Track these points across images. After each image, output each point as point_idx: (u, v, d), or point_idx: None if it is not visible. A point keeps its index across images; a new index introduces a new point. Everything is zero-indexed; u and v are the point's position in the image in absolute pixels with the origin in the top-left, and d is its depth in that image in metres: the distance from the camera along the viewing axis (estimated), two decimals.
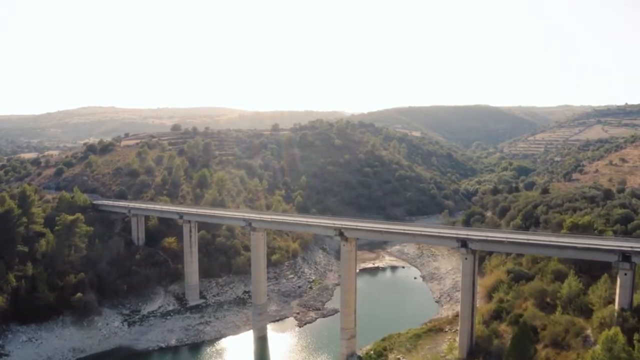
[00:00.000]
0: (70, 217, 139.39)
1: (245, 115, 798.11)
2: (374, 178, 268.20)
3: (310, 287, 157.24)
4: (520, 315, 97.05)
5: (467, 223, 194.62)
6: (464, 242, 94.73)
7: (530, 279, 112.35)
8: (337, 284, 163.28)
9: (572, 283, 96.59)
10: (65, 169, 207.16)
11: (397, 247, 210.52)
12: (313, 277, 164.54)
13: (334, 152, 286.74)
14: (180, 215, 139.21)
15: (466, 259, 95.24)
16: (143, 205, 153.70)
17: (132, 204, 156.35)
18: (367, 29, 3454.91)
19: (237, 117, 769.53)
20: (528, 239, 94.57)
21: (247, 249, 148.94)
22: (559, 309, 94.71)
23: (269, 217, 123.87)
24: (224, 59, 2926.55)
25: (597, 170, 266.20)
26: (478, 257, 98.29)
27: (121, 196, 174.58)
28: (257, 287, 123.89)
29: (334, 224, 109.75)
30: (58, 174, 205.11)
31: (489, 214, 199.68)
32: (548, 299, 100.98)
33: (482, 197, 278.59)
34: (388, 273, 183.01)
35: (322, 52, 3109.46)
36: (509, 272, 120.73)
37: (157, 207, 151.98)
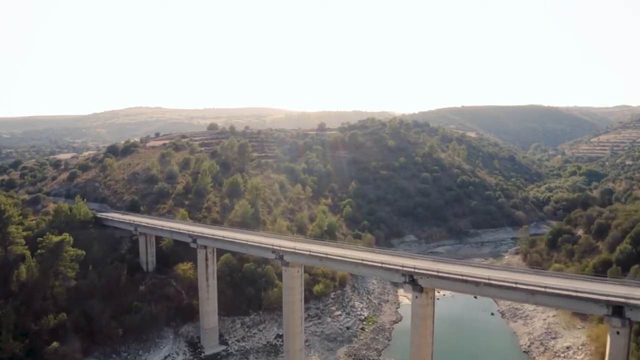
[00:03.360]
0: (56, 238, 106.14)
1: (291, 115, 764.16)
2: (434, 184, 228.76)
3: (362, 328, 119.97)
4: None
5: (553, 244, 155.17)
6: (616, 309, 56.95)
7: None
8: (395, 322, 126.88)
9: None
10: (79, 174, 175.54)
11: None
12: (365, 313, 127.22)
13: (387, 154, 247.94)
14: (194, 238, 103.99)
15: (618, 332, 57.56)
16: (151, 222, 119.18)
17: (139, 220, 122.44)
18: (417, 26, 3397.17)
19: (283, 117, 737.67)
20: None
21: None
22: None
23: (307, 247, 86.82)
24: (272, 59, 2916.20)
25: None
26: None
27: (132, 208, 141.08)
28: (290, 332, 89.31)
29: (403, 266, 72.74)
30: (71, 179, 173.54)
31: (579, 232, 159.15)
32: None
33: (557, 208, 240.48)
34: (455, 303, 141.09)
35: (370, 51, 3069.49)
36: None
37: (166, 225, 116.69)
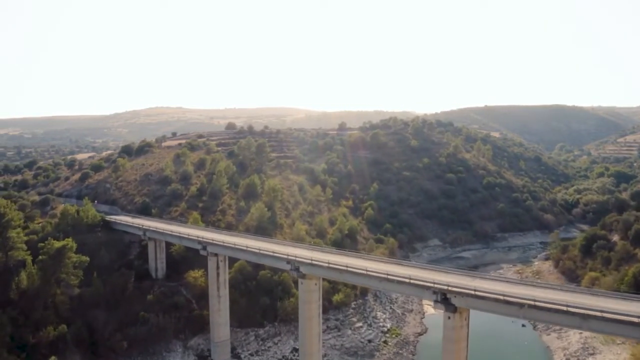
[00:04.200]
0: (58, 244, 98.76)
1: (312, 115, 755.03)
2: (458, 186, 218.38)
3: (385, 341, 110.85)
4: None
5: (587, 250, 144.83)
6: None
7: None
8: (420, 334, 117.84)
9: None
10: (91, 174, 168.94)
11: (492, 274, 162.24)
12: (388, 325, 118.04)
13: (410, 154, 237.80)
14: (203, 245, 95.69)
15: None
16: (160, 227, 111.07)
17: (147, 224, 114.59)
18: (439, 25, 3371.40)
19: (303, 117, 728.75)
20: None
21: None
22: None
23: (326, 258, 77.84)
24: (293, 59, 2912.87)
25: None
26: None
27: (143, 210, 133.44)
28: (307, 350, 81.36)
29: (435, 283, 63.52)
30: (82, 179, 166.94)
31: (615, 238, 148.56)
32: None
33: (586, 211, 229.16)
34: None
35: (392, 50, 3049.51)
36: None
37: (175, 230, 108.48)
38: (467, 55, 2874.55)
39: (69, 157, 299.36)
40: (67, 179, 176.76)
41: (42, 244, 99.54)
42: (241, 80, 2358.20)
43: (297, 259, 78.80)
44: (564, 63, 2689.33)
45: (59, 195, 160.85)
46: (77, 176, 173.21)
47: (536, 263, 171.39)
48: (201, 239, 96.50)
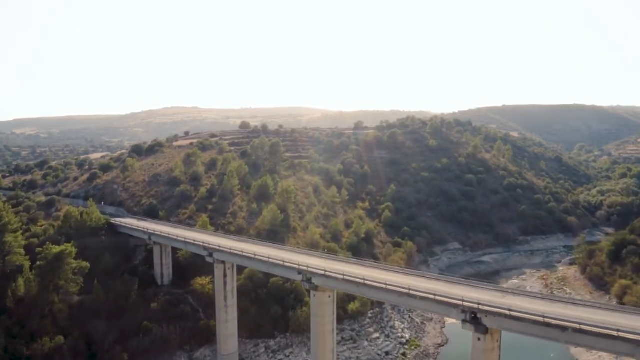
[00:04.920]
0: (56, 249, 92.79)
1: (328, 114, 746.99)
2: (479, 187, 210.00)
3: (404, 354, 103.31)
4: None
5: (616, 256, 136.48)
6: None
7: None
8: (441, 345, 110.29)
9: None
10: (100, 174, 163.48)
11: (515, 280, 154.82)
12: (407, 335, 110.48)
13: (428, 154, 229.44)
14: (210, 251, 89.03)
15: None
16: (165, 231, 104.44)
17: (153, 227, 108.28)
18: (455, 24, 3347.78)
19: (319, 116, 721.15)
20: None
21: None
22: None
23: (341, 268, 70.34)
24: (309, 58, 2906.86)
25: None
26: None
27: (150, 213, 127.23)
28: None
29: (463, 300, 55.95)
30: (90, 180, 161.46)
31: None
32: None
33: (610, 213, 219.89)
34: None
35: (408, 49, 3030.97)
36: None
37: (181, 234, 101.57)
38: (484, 54, 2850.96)
39: (82, 156, 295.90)
40: (75, 179, 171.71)
41: (40, 249, 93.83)
42: (258, 80, 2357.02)
43: (309, 269, 71.61)
44: (582, 62, 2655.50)
45: (67, 196, 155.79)
46: (85, 177, 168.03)
47: (561, 269, 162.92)
48: (207, 245, 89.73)
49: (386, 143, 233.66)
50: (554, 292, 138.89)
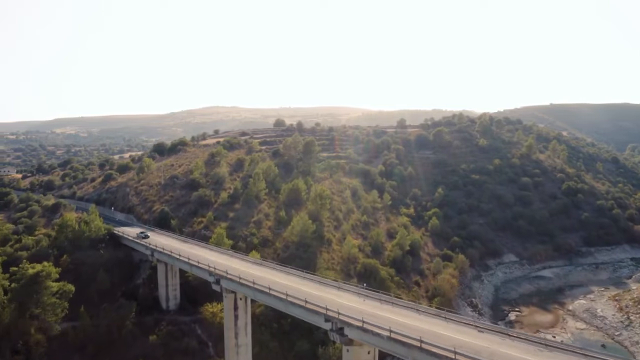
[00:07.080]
0: (32, 270, 74.67)
1: (368, 114, 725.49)
2: (535, 191, 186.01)
3: None
4: None
5: None
6: None
7: None
8: None
9: None
10: (115, 176, 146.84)
11: (582, 301, 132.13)
12: None
13: (478, 155, 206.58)
14: (216, 278, 69.43)
15: None
16: (170, 246, 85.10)
17: (157, 240, 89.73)
18: (501, 21, 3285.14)
19: (359, 115, 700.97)
20: None
21: None
22: None
23: (386, 316, 47.66)
24: (350, 57, 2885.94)
25: None
26: None
27: (161, 222, 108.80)
28: None
29: None
30: (105, 182, 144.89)
31: None
32: None
33: None
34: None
35: (451, 47, 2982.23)
36: None
37: (186, 252, 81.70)
38: (531, 51, 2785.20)
39: (114, 156, 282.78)
40: (92, 180, 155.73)
41: (15, 269, 76.08)
42: (298, 80, 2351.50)
43: (341, 315, 50.47)
44: (631, 60, 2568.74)
45: (80, 199, 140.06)
46: (101, 178, 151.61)
47: (634, 287, 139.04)
48: (213, 270, 69.94)
49: (432, 142, 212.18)
50: (631, 318, 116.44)
